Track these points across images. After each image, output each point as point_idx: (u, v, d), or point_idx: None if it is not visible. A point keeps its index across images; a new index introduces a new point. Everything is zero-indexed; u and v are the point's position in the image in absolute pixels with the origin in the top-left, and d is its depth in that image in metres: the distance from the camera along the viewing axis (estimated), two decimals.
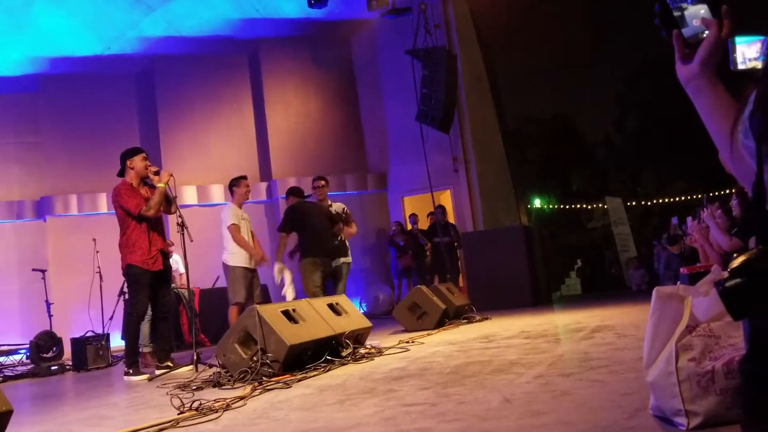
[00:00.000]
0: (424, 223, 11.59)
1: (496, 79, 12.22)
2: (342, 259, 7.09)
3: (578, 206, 16.89)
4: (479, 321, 7.07)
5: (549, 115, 17.75)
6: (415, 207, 12.21)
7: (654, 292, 1.99)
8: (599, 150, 19.14)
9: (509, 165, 11.84)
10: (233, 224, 6.47)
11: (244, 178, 6.90)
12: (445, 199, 12.03)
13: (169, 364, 5.44)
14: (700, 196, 12.93)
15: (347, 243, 7.21)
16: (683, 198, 16.32)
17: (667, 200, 16.79)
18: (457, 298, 7.60)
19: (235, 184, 6.77)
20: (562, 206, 17.08)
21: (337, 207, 7.23)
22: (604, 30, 13.86)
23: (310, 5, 10.29)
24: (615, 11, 13.55)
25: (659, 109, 16.00)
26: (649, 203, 16.92)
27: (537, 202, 16.14)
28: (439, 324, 6.67)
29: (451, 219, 11.62)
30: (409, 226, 11.78)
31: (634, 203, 16.59)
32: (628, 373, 2.76)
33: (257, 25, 11.82)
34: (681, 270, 7.48)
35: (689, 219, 6.30)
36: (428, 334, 6.05)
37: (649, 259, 12.57)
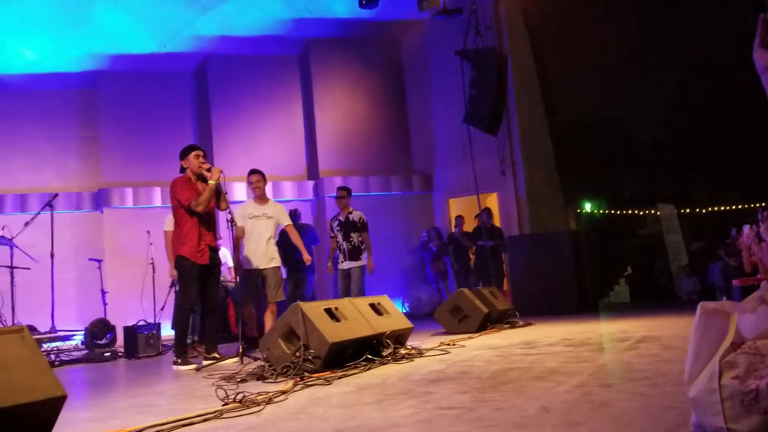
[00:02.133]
0: (469, 226, 11.56)
1: (546, 80, 12.09)
2: (354, 263, 7.75)
3: (630, 212, 16.56)
4: (522, 326, 7.02)
5: (601, 117, 17.43)
6: (461, 209, 12.18)
7: (698, 307, 1.97)
8: (652, 155, 18.71)
9: (558, 168, 11.70)
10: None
11: (252, 172, 6.85)
12: (492, 202, 11.96)
13: (216, 355, 5.58)
14: (757, 205, 12.53)
15: (361, 248, 7.82)
16: (739, 207, 15.82)
17: (722, 208, 16.30)
18: (501, 303, 7.56)
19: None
20: (613, 211, 16.76)
21: (355, 216, 7.86)
22: (658, 30, 13.52)
23: (361, 5, 10.34)
24: (669, 11, 13.19)
25: (715, 112, 15.56)
26: (703, 211, 16.46)
27: (587, 207, 15.89)
28: (481, 328, 6.66)
29: (497, 222, 11.55)
30: (453, 229, 11.76)
31: (687, 210, 16.17)
32: (670, 387, 2.72)
33: (308, 25, 11.96)
34: (734, 282, 7.30)
35: (745, 228, 6.11)
36: (469, 338, 6.04)
37: (702, 269, 12.25)
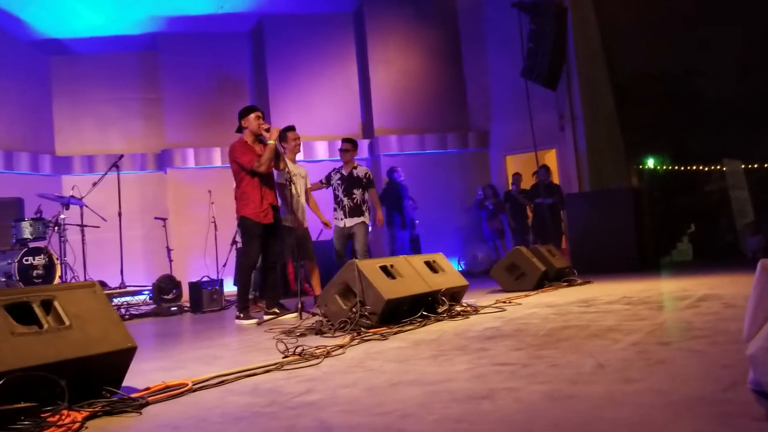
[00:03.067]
0: (527, 183, 11.42)
1: (609, 33, 11.65)
2: (356, 220, 7.14)
3: (694, 168, 16.02)
4: (580, 284, 6.94)
5: (666, 70, 16.75)
6: (518, 166, 12.02)
7: (759, 264, 1.92)
8: (719, 109, 17.91)
9: (620, 123, 11.37)
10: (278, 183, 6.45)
11: (290, 129, 6.78)
12: (550, 158, 11.76)
13: (276, 310, 5.75)
14: None
15: (362, 206, 7.20)
16: None
17: None
18: (558, 261, 7.48)
19: (282, 138, 6.61)
20: (677, 167, 16.24)
21: (360, 171, 7.28)
22: None
23: None
24: None
25: None
26: None
27: (650, 163, 15.43)
28: (538, 286, 6.62)
29: (556, 179, 11.37)
30: (510, 187, 11.64)
31: (755, 166, 15.52)
32: (729, 345, 2.67)
33: None
34: None
35: None
36: (526, 296, 6.02)
37: None
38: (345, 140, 7.45)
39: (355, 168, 7.27)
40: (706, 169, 16.00)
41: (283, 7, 12.12)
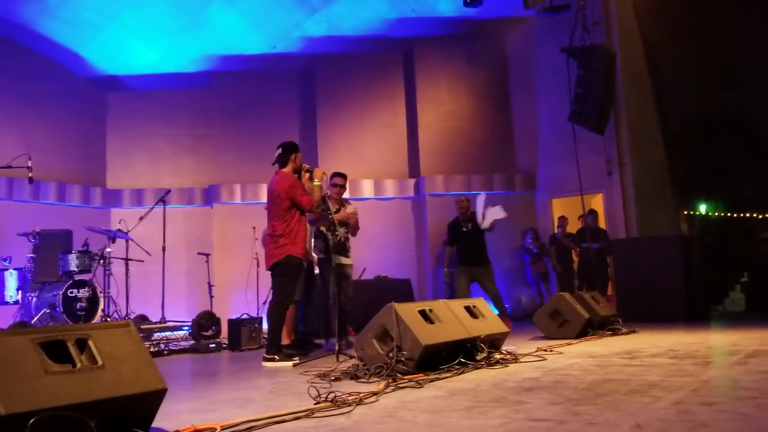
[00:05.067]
0: (573, 227, 11.26)
1: (659, 76, 11.52)
2: (344, 260, 6.91)
3: (749, 215, 15.52)
4: (625, 334, 6.75)
5: (721, 113, 16.40)
6: (564, 210, 11.85)
7: None
8: None
9: (670, 168, 11.14)
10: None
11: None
12: (597, 202, 11.57)
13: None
14: None
15: (347, 244, 6.96)
16: None
17: None
18: (603, 308, 7.30)
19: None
20: (730, 214, 15.78)
21: (349, 209, 7.07)
22: None
23: (466, 4, 10.25)
24: None
25: None
26: None
27: (702, 209, 15.04)
28: (582, 334, 6.46)
29: (603, 224, 11.17)
30: (556, 230, 11.48)
31: None
32: None
33: (412, 24, 12.01)
34: None
35: None
36: (568, 344, 5.88)
37: None
38: (339, 174, 7.12)
39: (343, 206, 7.03)
40: (761, 216, 15.47)
41: (334, 47, 12.37)
